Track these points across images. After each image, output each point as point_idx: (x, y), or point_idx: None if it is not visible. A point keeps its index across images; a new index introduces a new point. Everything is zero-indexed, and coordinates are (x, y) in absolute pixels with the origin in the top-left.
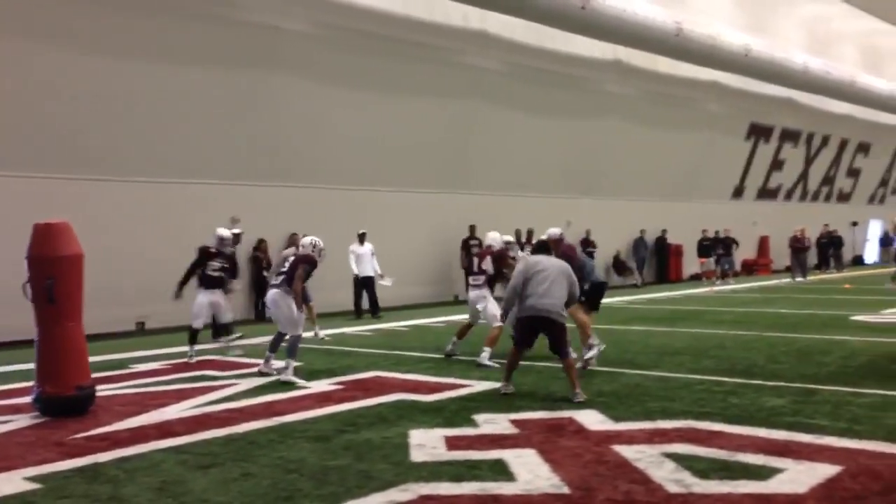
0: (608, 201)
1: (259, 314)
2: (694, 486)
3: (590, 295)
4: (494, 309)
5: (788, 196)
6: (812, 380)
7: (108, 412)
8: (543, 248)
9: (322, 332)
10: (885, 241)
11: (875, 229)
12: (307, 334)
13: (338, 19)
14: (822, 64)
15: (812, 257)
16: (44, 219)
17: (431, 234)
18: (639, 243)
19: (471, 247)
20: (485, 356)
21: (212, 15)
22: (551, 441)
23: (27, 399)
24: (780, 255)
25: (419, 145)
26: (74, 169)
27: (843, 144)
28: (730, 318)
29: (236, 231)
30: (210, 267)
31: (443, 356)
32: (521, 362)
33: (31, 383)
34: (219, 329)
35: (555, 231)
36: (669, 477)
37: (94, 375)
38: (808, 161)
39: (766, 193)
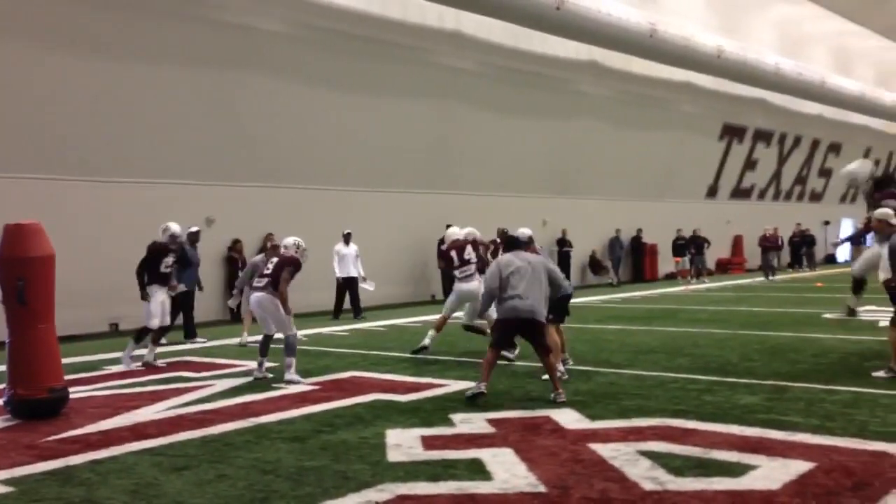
0: (584, 201)
1: (234, 315)
2: (669, 484)
3: (558, 310)
4: None
5: (762, 196)
6: (785, 377)
7: (81, 414)
8: (514, 244)
9: (248, 339)
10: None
11: (847, 228)
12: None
13: (314, 19)
14: (794, 65)
15: (785, 256)
16: (15, 219)
17: (408, 233)
18: (614, 243)
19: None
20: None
21: (188, 15)
22: (528, 440)
23: None
24: (754, 254)
25: (396, 145)
26: (46, 169)
27: (815, 144)
28: (704, 316)
29: (194, 229)
30: (164, 263)
31: (415, 353)
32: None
33: (2, 386)
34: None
35: (524, 232)
36: (645, 475)
37: (66, 377)
38: (781, 161)
39: (739, 193)
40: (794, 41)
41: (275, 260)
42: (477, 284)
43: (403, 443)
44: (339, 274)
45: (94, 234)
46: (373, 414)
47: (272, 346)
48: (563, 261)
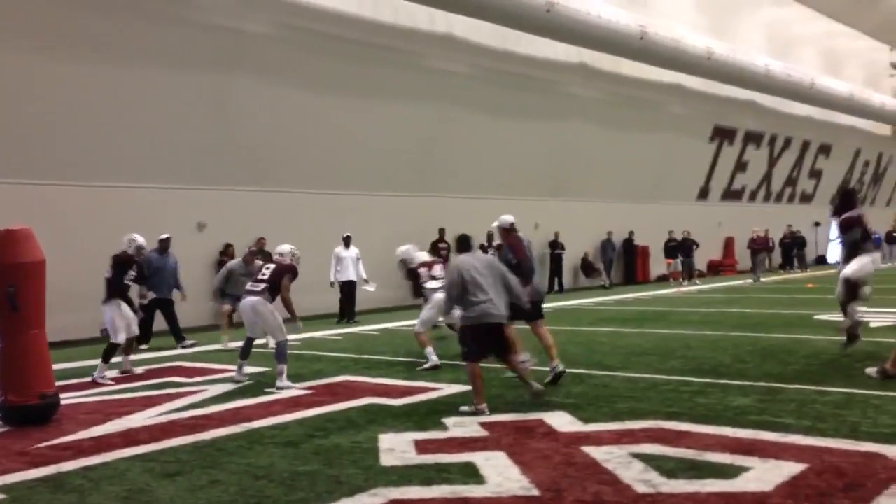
0: (575, 203)
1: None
2: (662, 486)
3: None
4: None
5: (753, 197)
6: (777, 379)
7: (72, 421)
8: (466, 244)
9: (230, 344)
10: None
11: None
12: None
13: (304, 22)
14: (783, 66)
15: (777, 257)
16: (5, 224)
17: (400, 236)
18: (606, 245)
19: (440, 250)
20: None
21: (178, 18)
22: (521, 443)
23: None
24: (746, 255)
25: (387, 148)
26: (37, 174)
27: (805, 146)
28: (696, 318)
29: (164, 236)
30: (129, 276)
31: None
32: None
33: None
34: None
35: (506, 219)
36: (638, 477)
37: (58, 383)
38: (772, 163)
39: (730, 195)
40: (784, 43)
41: (271, 266)
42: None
43: (396, 447)
44: (339, 278)
45: (85, 239)
46: (366, 418)
47: (259, 351)
48: (556, 263)
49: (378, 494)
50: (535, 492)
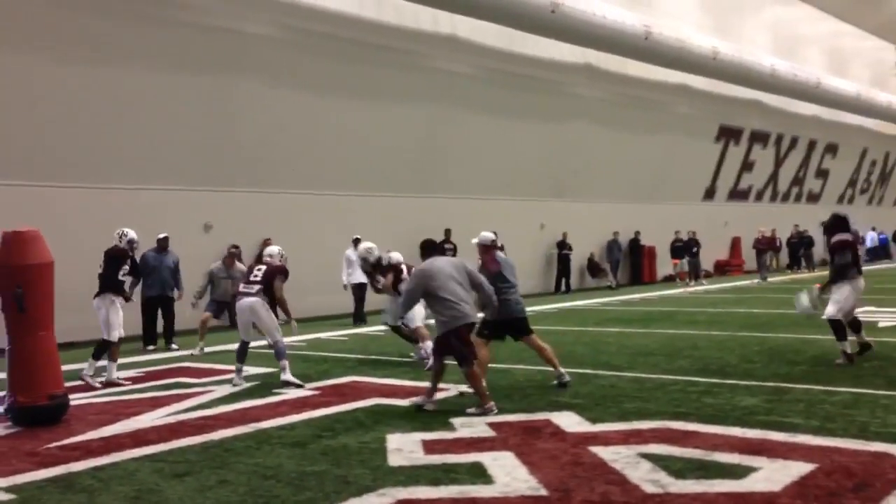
0: (581, 203)
1: (231, 321)
2: (670, 486)
3: (490, 327)
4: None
5: (759, 197)
6: (785, 379)
7: (81, 421)
8: (433, 248)
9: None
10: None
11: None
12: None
13: (307, 24)
14: (789, 66)
15: (784, 258)
16: (11, 227)
17: (405, 237)
18: (612, 245)
19: (446, 251)
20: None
21: (177, 20)
22: (528, 443)
23: None
24: (753, 255)
25: (391, 149)
26: (43, 175)
27: (812, 146)
28: (703, 318)
29: (161, 235)
30: (122, 271)
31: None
32: (496, 366)
33: (2, 393)
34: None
35: (487, 236)
36: (646, 477)
37: (66, 384)
38: (778, 162)
39: (737, 195)
40: (789, 42)
41: (262, 267)
42: None
43: (404, 447)
44: (350, 279)
45: (90, 241)
46: (373, 418)
47: (264, 352)
48: (564, 264)
49: (386, 494)
50: (544, 492)
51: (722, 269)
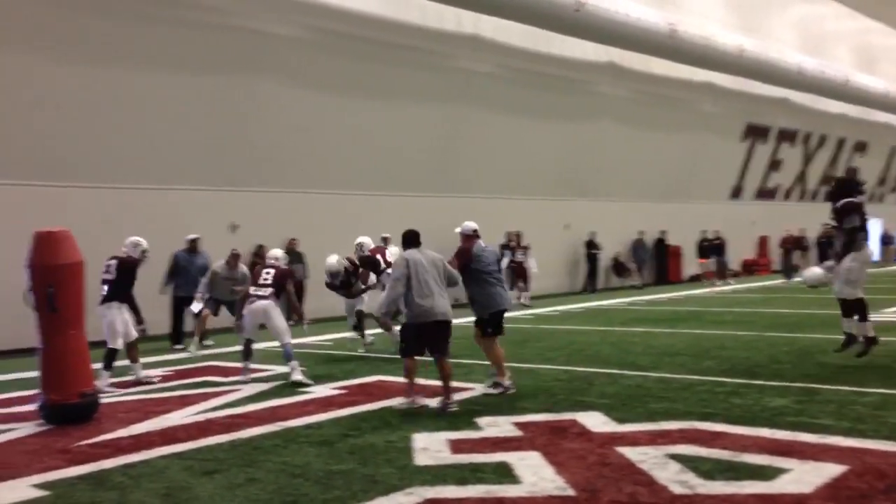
0: (606, 203)
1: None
2: (699, 487)
3: (490, 324)
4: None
5: (787, 195)
6: (814, 379)
7: (111, 419)
8: (414, 240)
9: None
10: (885, 240)
11: (874, 228)
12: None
13: (330, 24)
14: (817, 63)
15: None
16: (44, 226)
17: (429, 237)
18: (638, 245)
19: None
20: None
21: (201, 21)
22: (555, 443)
23: (30, 407)
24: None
25: (414, 149)
26: (71, 177)
27: (841, 144)
28: (730, 318)
29: (192, 237)
30: (134, 282)
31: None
32: (523, 365)
33: (32, 392)
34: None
35: (469, 225)
36: (674, 478)
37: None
38: (806, 161)
39: (764, 193)
40: (816, 39)
41: (271, 271)
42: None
43: (430, 446)
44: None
45: (118, 241)
46: (399, 418)
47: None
48: (592, 263)
49: (413, 493)
50: (571, 492)
51: (749, 269)
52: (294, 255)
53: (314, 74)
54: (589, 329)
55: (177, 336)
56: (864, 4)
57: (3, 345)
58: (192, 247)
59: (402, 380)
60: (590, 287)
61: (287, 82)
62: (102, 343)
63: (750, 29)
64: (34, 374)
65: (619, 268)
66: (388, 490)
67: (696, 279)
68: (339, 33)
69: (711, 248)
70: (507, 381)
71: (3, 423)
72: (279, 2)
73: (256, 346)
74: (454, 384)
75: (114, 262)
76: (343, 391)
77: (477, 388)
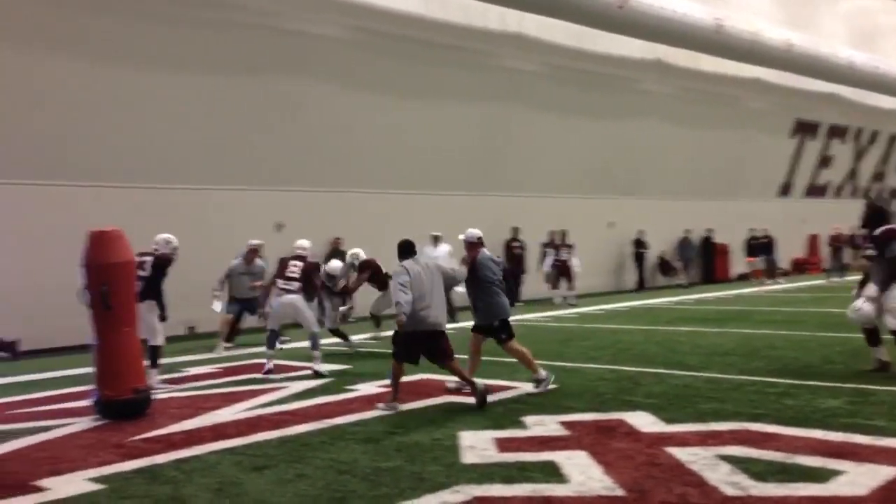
0: (651, 201)
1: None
2: (751, 489)
3: (499, 331)
4: None
5: (838, 193)
6: (867, 380)
7: (163, 415)
8: (409, 250)
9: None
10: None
11: None
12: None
13: (374, 24)
14: (868, 58)
15: None
16: (96, 226)
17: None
18: (684, 243)
19: (513, 248)
20: None
21: (247, 24)
22: (602, 443)
23: (85, 403)
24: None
25: (459, 148)
26: (122, 177)
27: (893, 140)
28: (780, 317)
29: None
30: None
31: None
32: (567, 364)
33: (87, 388)
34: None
35: (473, 232)
36: (725, 479)
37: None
38: (858, 157)
39: (814, 191)
40: (867, 34)
41: (298, 264)
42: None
43: (477, 445)
44: None
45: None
46: (444, 416)
47: (339, 350)
48: (640, 262)
49: (460, 492)
50: (620, 492)
51: (800, 268)
52: (338, 253)
53: (358, 74)
54: (634, 328)
55: (230, 335)
56: None
57: (59, 342)
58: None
59: (446, 378)
60: (640, 285)
61: (332, 82)
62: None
63: (798, 23)
64: (89, 370)
65: (664, 266)
66: (435, 488)
67: (744, 278)
68: (383, 33)
69: (760, 246)
70: (543, 374)
71: (60, 418)
72: (323, 3)
73: (297, 344)
74: (501, 383)
75: (149, 258)
76: (389, 389)
77: (523, 387)
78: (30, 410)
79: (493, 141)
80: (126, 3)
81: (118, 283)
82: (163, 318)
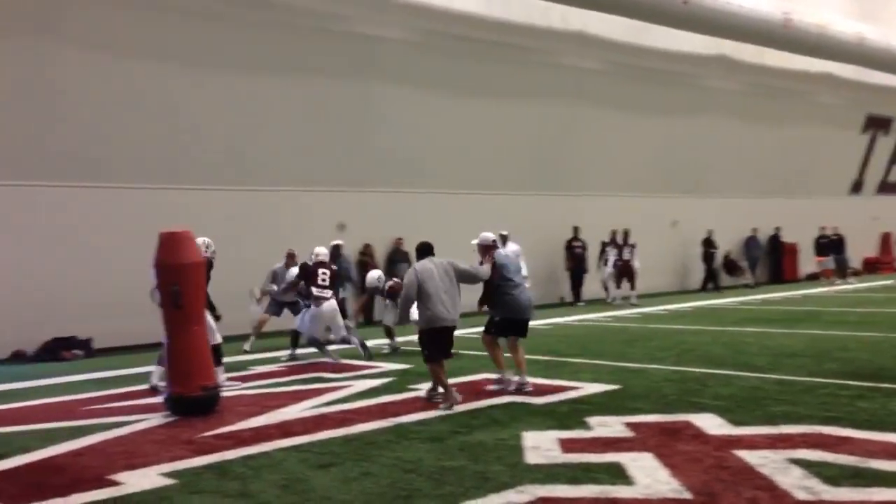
0: (717, 200)
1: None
2: (824, 494)
3: (511, 329)
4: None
5: None
6: None
7: (231, 412)
8: (426, 251)
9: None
10: None
11: None
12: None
13: (437, 25)
14: None
15: None
16: (167, 228)
17: (535, 236)
18: (751, 242)
19: (574, 248)
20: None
21: (314, 28)
22: (668, 445)
23: (157, 399)
24: None
25: (519, 148)
26: (196, 179)
27: None
28: (852, 318)
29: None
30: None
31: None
32: (631, 365)
33: (162, 383)
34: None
35: (487, 236)
36: (797, 483)
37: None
38: None
39: (887, 188)
40: None
41: (326, 272)
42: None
43: (541, 445)
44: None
45: (234, 241)
46: (508, 416)
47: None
48: (709, 262)
49: (525, 492)
50: (687, 495)
51: (871, 267)
52: (400, 254)
53: (422, 76)
54: (699, 328)
55: (296, 339)
56: None
57: (131, 340)
58: (335, 253)
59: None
60: (710, 285)
61: (396, 84)
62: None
63: (870, 16)
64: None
65: (730, 266)
66: (499, 487)
67: (813, 278)
68: (444, 34)
69: (830, 245)
70: (514, 377)
71: (133, 413)
72: (388, 5)
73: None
74: (561, 383)
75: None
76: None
77: (586, 387)
78: (104, 407)
79: (554, 140)
80: (199, 7)
81: (188, 283)
82: (217, 317)
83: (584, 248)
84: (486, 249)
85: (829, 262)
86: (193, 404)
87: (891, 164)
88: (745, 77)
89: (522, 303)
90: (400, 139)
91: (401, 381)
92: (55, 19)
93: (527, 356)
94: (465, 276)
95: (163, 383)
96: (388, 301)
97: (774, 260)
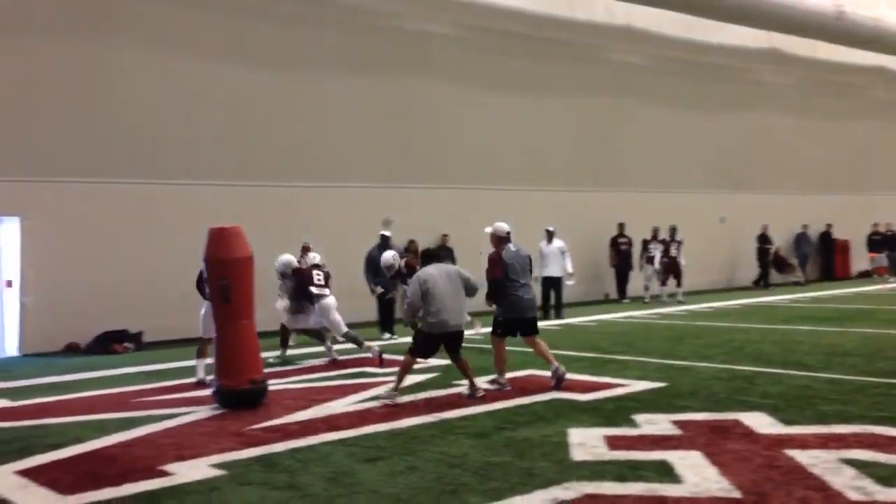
0: (766, 195)
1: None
2: (877, 494)
3: (516, 328)
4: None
5: None
6: None
7: (279, 406)
8: (432, 257)
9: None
10: None
11: None
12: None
13: (483, 21)
14: None
15: None
16: (221, 224)
17: (580, 232)
18: (801, 239)
19: (619, 245)
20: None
21: (363, 24)
22: (717, 443)
23: (206, 392)
24: None
25: (566, 144)
26: (244, 176)
27: None
28: None
29: (386, 233)
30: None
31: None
32: (678, 362)
33: (211, 377)
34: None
35: (501, 226)
36: (850, 484)
37: (264, 371)
38: None
39: None
40: None
41: (321, 273)
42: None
43: (587, 442)
44: (542, 273)
45: (282, 237)
46: (553, 412)
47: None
48: (763, 259)
49: (571, 488)
50: (737, 494)
51: None
52: (445, 250)
53: (468, 72)
54: (748, 326)
55: (385, 324)
56: None
57: (180, 333)
58: (384, 243)
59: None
60: (763, 282)
61: (442, 80)
62: (263, 334)
63: None
64: (209, 361)
65: (779, 263)
66: (545, 483)
67: (865, 275)
68: (494, 30)
69: (883, 241)
70: (502, 379)
71: (183, 406)
72: (435, 2)
73: (401, 340)
74: (607, 380)
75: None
76: (496, 385)
77: (633, 385)
78: (155, 399)
79: (600, 136)
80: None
81: (237, 277)
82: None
83: (629, 244)
84: (500, 241)
85: (882, 258)
86: (242, 397)
87: None
88: (796, 71)
89: (526, 302)
90: (446, 136)
91: (445, 377)
92: (119, 20)
93: (572, 353)
94: (465, 284)
95: (210, 377)
96: (403, 286)
97: (825, 257)
